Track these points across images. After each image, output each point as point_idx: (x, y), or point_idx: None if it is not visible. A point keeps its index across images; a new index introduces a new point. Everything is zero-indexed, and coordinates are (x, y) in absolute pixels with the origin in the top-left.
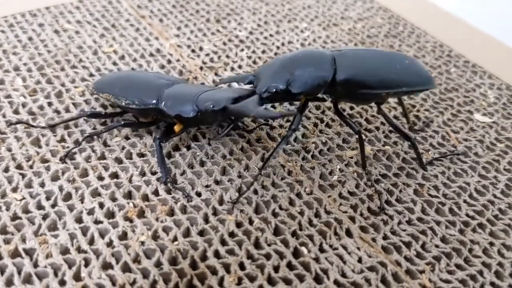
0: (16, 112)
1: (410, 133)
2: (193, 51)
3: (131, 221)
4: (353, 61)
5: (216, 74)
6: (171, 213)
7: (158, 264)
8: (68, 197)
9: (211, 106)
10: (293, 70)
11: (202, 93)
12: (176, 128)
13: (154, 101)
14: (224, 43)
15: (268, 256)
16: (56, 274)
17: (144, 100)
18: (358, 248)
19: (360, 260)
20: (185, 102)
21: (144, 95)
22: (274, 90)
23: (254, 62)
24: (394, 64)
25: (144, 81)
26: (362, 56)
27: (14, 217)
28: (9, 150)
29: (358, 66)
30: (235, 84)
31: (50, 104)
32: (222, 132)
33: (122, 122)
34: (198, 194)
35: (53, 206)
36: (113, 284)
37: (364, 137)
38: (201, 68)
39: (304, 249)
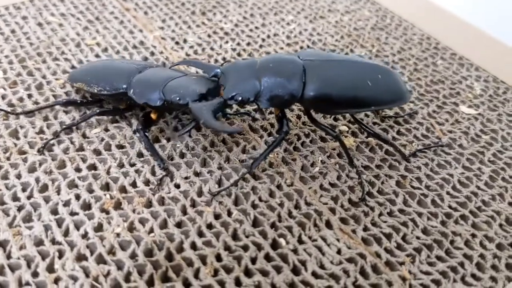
0: None
1: (386, 136)
2: (177, 43)
3: (107, 212)
4: (323, 77)
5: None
6: (148, 204)
7: (133, 256)
8: (44, 188)
9: (177, 99)
10: (261, 81)
11: (170, 81)
12: (153, 115)
13: (124, 86)
14: (209, 36)
15: (245, 248)
16: (29, 266)
17: (114, 85)
18: (338, 240)
19: (339, 252)
20: (152, 90)
21: (114, 80)
22: (241, 99)
23: (239, 54)
24: (365, 81)
25: (115, 67)
26: (333, 71)
27: None
28: None
29: (328, 83)
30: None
31: (30, 96)
32: (182, 130)
33: (97, 111)
34: (177, 186)
35: (29, 197)
36: (87, 275)
37: (347, 128)
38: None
39: (282, 241)
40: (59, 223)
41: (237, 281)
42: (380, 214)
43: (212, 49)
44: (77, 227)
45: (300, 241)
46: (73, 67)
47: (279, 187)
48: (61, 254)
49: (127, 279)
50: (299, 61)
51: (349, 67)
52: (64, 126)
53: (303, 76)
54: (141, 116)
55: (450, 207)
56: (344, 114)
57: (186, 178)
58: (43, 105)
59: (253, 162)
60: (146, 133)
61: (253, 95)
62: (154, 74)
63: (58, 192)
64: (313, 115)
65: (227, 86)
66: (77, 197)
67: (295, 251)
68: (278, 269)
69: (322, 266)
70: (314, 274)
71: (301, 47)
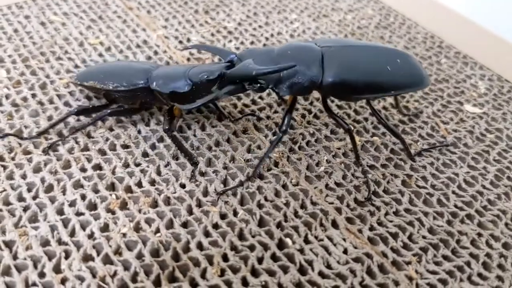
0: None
1: (397, 130)
2: (180, 42)
3: (113, 213)
4: (341, 62)
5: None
6: (154, 204)
7: (139, 256)
8: (49, 188)
9: (205, 76)
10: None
11: (192, 68)
12: (175, 111)
13: (143, 81)
14: (212, 34)
15: (252, 248)
16: (35, 266)
17: (132, 80)
18: (344, 239)
19: (345, 251)
20: (177, 78)
21: (132, 76)
22: (259, 85)
23: None
24: (384, 66)
25: (130, 65)
26: (351, 56)
27: None
28: None
29: (346, 68)
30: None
31: (34, 95)
32: (197, 103)
33: (108, 111)
34: (182, 186)
35: (34, 198)
36: (94, 276)
37: (352, 127)
38: (188, 59)
39: (288, 241)
40: (65, 223)
41: (244, 281)
42: (386, 214)
43: None
44: (83, 228)
45: (307, 241)
46: (76, 66)
47: (284, 186)
48: (67, 255)
49: (134, 279)
50: (317, 47)
51: (368, 52)
52: (73, 129)
53: (321, 62)
54: (165, 114)
55: (456, 206)
56: (362, 100)
57: (191, 177)
58: (55, 121)
59: (257, 166)
60: (174, 132)
61: (273, 81)
62: (173, 67)
63: (64, 192)
64: (329, 104)
65: (256, 63)
66: (83, 197)
67: (301, 251)
68: (284, 269)
69: (328, 266)
70: (321, 274)
71: None
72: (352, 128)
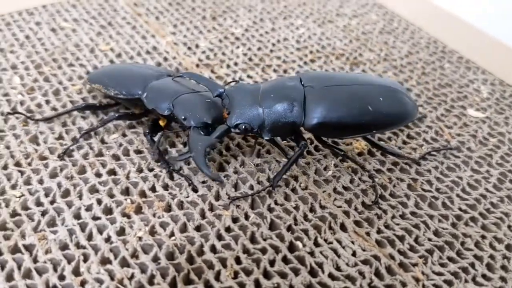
0: (14, 109)
1: (395, 151)
2: (189, 48)
3: (128, 217)
4: (322, 105)
5: (212, 71)
6: (168, 209)
7: (155, 259)
8: (66, 193)
9: (182, 117)
10: (264, 111)
11: (182, 95)
12: (161, 122)
13: (140, 92)
14: (220, 41)
15: (263, 251)
16: (55, 269)
17: (130, 90)
18: (352, 242)
19: (354, 254)
20: (163, 99)
21: (131, 85)
22: (244, 127)
23: (250, 59)
24: (365, 106)
25: (133, 72)
26: (332, 97)
27: (14, 214)
28: (8, 147)
29: (326, 111)
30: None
31: (48, 102)
32: (180, 156)
33: (116, 115)
34: (195, 190)
35: (52, 202)
36: (112, 278)
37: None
38: (197, 66)
39: (299, 244)
40: (83, 227)
41: (257, 283)
42: (393, 217)
43: (223, 54)
44: (100, 231)
45: (316, 244)
46: (88, 72)
47: (293, 190)
48: (86, 258)
49: (150, 282)
50: (300, 88)
51: (349, 92)
52: (83, 132)
53: (303, 104)
54: (149, 121)
55: (460, 209)
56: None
57: (203, 182)
58: (61, 111)
59: (275, 176)
60: (153, 137)
61: (257, 125)
62: (170, 84)
63: (80, 197)
64: (320, 137)
65: (232, 112)
66: (99, 201)
67: (311, 253)
68: (296, 271)
69: (338, 268)
70: (331, 276)
71: (311, 52)
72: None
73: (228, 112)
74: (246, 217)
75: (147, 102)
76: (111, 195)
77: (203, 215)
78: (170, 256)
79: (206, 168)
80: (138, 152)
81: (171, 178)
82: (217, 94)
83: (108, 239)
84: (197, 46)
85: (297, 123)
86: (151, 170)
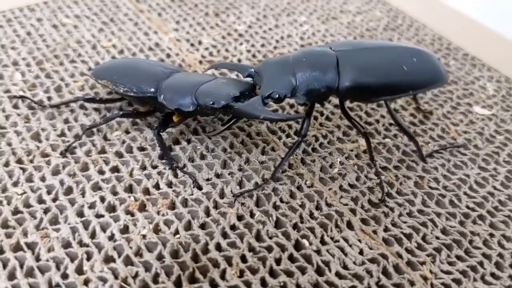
0: (15, 106)
1: (411, 132)
2: (192, 45)
3: (132, 214)
4: (357, 66)
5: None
6: (172, 206)
7: (160, 257)
8: (69, 191)
9: (211, 103)
10: (296, 76)
11: (202, 85)
12: (175, 118)
13: (152, 90)
14: (223, 37)
15: (269, 249)
16: (58, 268)
17: (142, 88)
18: (359, 240)
19: (361, 252)
20: (184, 95)
21: (142, 83)
22: (278, 96)
23: (254, 56)
24: (401, 66)
25: (143, 69)
26: (367, 58)
27: (16, 211)
28: (9, 144)
29: (362, 71)
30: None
31: (49, 98)
32: (221, 128)
33: (120, 113)
34: (199, 188)
35: (54, 200)
36: (116, 277)
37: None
38: (200, 62)
39: (305, 242)
40: (86, 225)
41: (263, 282)
42: (400, 215)
43: (227, 50)
44: (104, 229)
45: (323, 242)
46: (90, 69)
47: (299, 188)
48: (89, 256)
49: (155, 280)
50: (331, 52)
51: (383, 53)
52: (86, 128)
53: (337, 67)
54: (161, 115)
55: (467, 207)
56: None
57: (207, 179)
58: (66, 100)
59: (275, 170)
60: (161, 132)
61: (289, 91)
62: (184, 78)
63: (83, 194)
64: (346, 108)
65: (263, 84)
66: (102, 199)
67: (318, 252)
68: (302, 270)
69: (345, 267)
70: (338, 274)
71: None
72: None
73: (259, 87)
74: (251, 215)
75: (167, 103)
76: (115, 193)
77: (207, 213)
78: (175, 254)
79: (283, 115)
80: (142, 149)
81: (175, 175)
82: (247, 74)
83: (111, 237)
84: (200, 42)
85: (331, 86)
86: (154, 167)
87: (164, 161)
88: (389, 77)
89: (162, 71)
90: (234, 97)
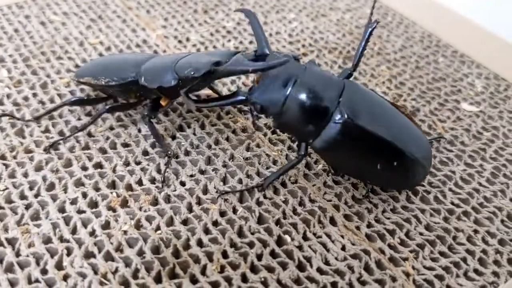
0: (0, 103)
1: None
2: (179, 41)
3: (114, 210)
4: (339, 138)
5: None
6: (154, 202)
7: (140, 253)
8: (51, 187)
9: (192, 73)
10: (287, 103)
11: (180, 60)
12: (162, 102)
13: (133, 74)
14: (211, 34)
15: (251, 245)
16: (38, 263)
17: (122, 75)
18: (342, 236)
19: (343, 248)
20: (164, 72)
21: (122, 70)
22: (260, 107)
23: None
24: (376, 162)
25: (122, 58)
26: (354, 135)
27: None
28: None
29: (338, 146)
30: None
31: (35, 95)
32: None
33: (107, 107)
34: (182, 184)
35: (36, 196)
36: (95, 272)
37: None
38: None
39: (287, 237)
40: (67, 221)
41: (244, 278)
42: (384, 211)
43: (214, 47)
44: (85, 225)
45: (305, 238)
46: (77, 66)
47: (283, 184)
48: (69, 252)
49: (135, 276)
50: (334, 103)
51: (372, 144)
52: (74, 129)
53: (324, 123)
54: (149, 102)
55: (452, 203)
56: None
57: (191, 176)
58: (51, 108)
59: (266, 178)
60: (152, 119)
61: (270, 114)
62: (162, 59)
63: (65, 190)
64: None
65: (258, 87)
66: (84, 195)
67: (300, 247)
68: (283, 265)
69: (327, 262)
70: (319, 270)
71: (303, 45)
72: None
73: (257, 81)
74: (234, 211)
75: (148, 83)
76: (97, 189)
77: (190, 209)
78: (156, 250)
79: (268, 64)
80: (126, 145)
81: (158, 171)
82: (260, 53)
83: (92, 233)
84: (187, 39)
85: (307, 136)
86: (138, 163)
87: (157, 150)
88: (355, 165)
89: (140, 58)
90: (214, 63)
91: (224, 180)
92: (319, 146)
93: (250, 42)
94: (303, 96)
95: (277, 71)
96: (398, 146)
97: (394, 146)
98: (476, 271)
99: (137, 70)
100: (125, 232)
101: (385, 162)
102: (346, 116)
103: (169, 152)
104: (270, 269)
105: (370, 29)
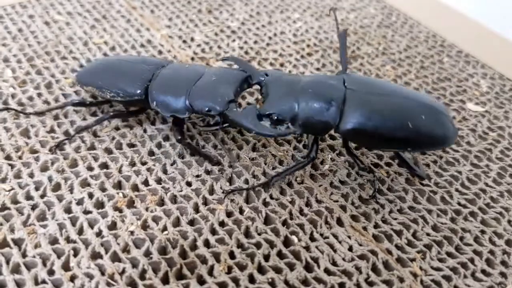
0: (5, 103)
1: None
2: (184, 41)
3: (120, 211)
4: (361, 111)
5: (207, 65)
6: (161, 203)
7: (147, 254)
8: (57, 187)
9: (206, 109)
10: (299, 103)
11: (193, 87)
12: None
13: (139, 91)
14: (216, 34)
15: (258, 245)
16: (44, 264)
17: (128, 91)
18: (349, 237)
19: (351, 249)
20: (177, 99)
21: (128, 85)
22: (276, 118)
23: (246, 53)
24: (405, 122)
25: (126, 70)
26: (373, 106)
27: (3, 208)
28: None
29: (364, 119)
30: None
31: (39, 95)
32: (212, 126)
33: (111, 113)
34: (188, 184)
35: (42, 196)
36: (102, 273)
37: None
38: (192, 59)
39: (294, 238)
40: (73, 221)
41: (251, 278)
42: (391, 211)
43: (219, 47)
44: (91, 226)
45: (312, 239)
46: (81, 66)
47: (289, 185)
48: (76, 252)
49: (142, 276)
50: (341, 88)
51: (391, 104)
52: (78, 130)
53: (342, 106)
54: (172, 126)
55: (459, 204)
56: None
57: (197, 176)
58: (53, 106)
59: (274, 176)
60: (188, 141)
61: (289, 117)
62: (172, 79)
63: (71, 190)
64: (349, 143)
65: (267, 100)
66: (90, 195)
67: (307, 248)
68: (291, 266)
69: (334, 263)
70: (327, 271)
71: (308, 45)
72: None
73: (263, 101)
74: (241, 211)
75: (161, 111)
76: (103, 189)
77: (196, 209)
78: (163, 251)
79: (274, 131)
80: (131, 145)
81: (165, 172)
82: (257, 81)
83: (99, 234)
84: (192, 39)
85: (330, 124)
86: (144, 163)
87: (163, 150)
88: (391, 131)
89: (146, 69)
90: (229, 101)
91: (230, 181)
92: (347, 127)
93: (255, 42)
94: (314, 97)
95: (278, 85)
96: (413, 99)
97: (409, 100)
98: (483, 271)
99: (143, 87)
100: (131, 232)
101: (412, 118)
102: (354, 90)
103: (217, 160)
104: (278, 270)
105: (342, 38)
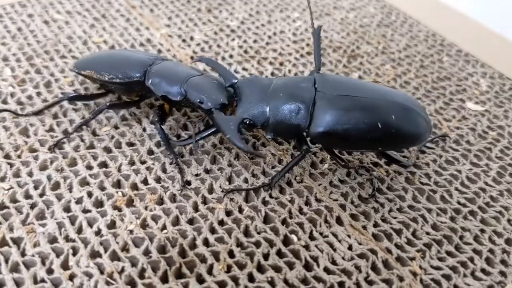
0: (4, 102)
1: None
2: (183, 40)
3: (119, 210)
4: (330, 114)
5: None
6: (160, 201)
7: (146, 253)
8: (56, 186)
9: (198, 101)
10: (270, 107)
11: (191, 78)
12: (166, 107)
13: (139, 74)
14: (215, 33)
15: (257, 244)
16: (44, 263)
17: (128, 73)
18: (349, 236)
19: (350, 248)
20: (173, 84)
21: (127, 68)
22: (248, 123)
23: (246, 52)
24: (375, 123)
25: (127, 56)
26: (342, 108)
27: (2, 206)
28: None
29: (333, 123)
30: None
31: (39, 94)
32: (192, 139)
33: (108, 104)
34: (188, 183)
35: (41, 195)
36: (101, 272)
37: (351, 164)
38: (191, 58)
39: (294, 237)
40: (72, 220)
41: (250, 277)
42: (390, 210)
43: (218, 46)
44: (90, 225)
45: (312, 237)
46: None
47: (289, 184)
48: (75, 251)
49: (141, 275)
50: (311, 91)
51: (361, 105)
52: (76, 125)
53: (312, 108)
54: (156, 108)
55: (459, 202)
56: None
57: (196, 175)
58: (49, 103)
59: (273, 177)
60: (162, 126)
61: (260, 122)
62: (173, 67)
63: (70, 189)
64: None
65: (238, 105)
66: (89, 194)
67: (306, 247)
68: (290, 265)
69: (334, 262)
70: (326, 270)
71: (307, 44)
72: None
73: (236, 104)
74: (240, 210)
75: (154, 88)
76: (102, 188)
77: (196, 208)
78: (162, 250)
79: (246, 146)
80: (130, 144)
81: (164, 170)
82: (230, 84)
83: (98, 232)
84: (191, 38)
85: (301, 127)
86: (143, 162)
87: (162, 149)
88: (360, 134)
89: (146, 57)
90: (222, 104)
91: (230, 179)
92: (316, 130)
93: (255, 41)
94: (283, 101)
95: (250, 89)
96: (384, 99)
97: (380, 100)
98: (483, 270)
99: (143, 70)
100: (131, 231)
101: (382, 118)
102: (324, 93)
103: (177, 161)
104: (277, 269)
105: (317, 35)
